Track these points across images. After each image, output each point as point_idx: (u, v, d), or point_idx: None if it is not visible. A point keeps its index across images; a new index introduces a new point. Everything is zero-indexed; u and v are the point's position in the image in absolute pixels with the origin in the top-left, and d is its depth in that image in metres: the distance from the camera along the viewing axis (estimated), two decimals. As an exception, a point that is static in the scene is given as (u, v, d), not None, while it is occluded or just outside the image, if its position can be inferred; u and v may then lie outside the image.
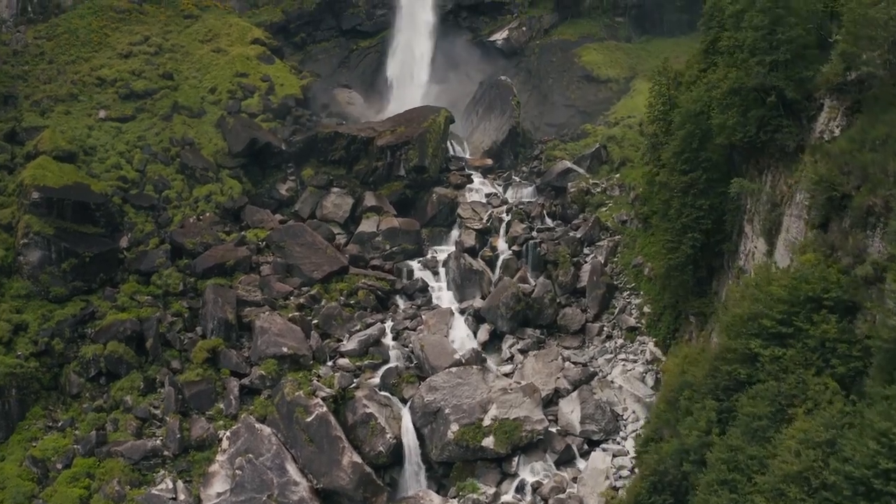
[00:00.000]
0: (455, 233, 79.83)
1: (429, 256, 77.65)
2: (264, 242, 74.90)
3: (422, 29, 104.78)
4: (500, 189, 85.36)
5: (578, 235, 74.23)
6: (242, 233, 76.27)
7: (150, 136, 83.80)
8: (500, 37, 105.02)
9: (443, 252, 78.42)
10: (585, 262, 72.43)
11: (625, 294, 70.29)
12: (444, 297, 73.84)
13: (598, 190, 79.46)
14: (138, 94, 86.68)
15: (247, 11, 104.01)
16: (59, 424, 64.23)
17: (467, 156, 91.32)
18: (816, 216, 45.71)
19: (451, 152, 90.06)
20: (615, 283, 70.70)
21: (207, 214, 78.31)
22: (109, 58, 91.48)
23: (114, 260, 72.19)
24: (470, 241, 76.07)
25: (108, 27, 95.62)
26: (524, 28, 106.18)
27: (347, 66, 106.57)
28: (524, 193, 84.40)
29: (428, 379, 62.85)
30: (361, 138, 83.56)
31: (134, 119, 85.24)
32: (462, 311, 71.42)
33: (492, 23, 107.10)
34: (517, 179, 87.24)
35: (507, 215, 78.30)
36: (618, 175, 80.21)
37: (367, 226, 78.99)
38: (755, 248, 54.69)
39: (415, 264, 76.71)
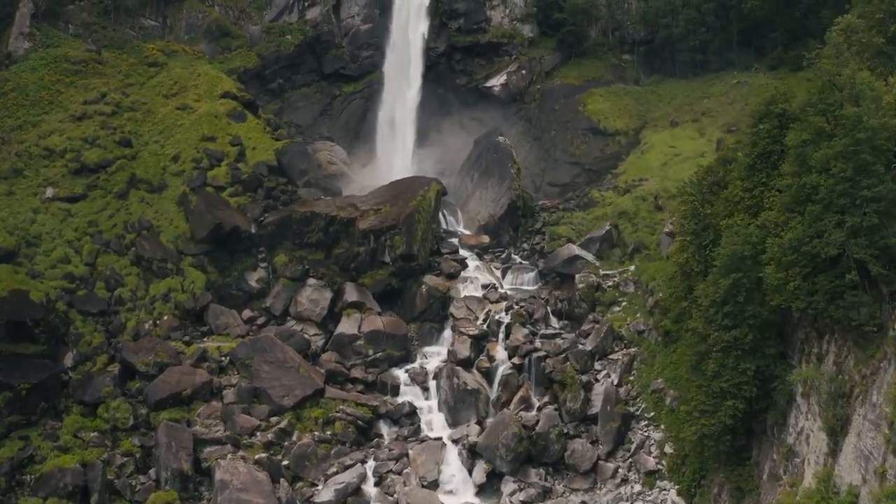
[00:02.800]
0: (448, 333, 67.40)
1: (417, 365, 65.38)
2: (227, 358, 62.38)
3: (412, 72, 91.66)
4: (499, 274, 72.70)
5: (588, 348, 61.88)
6: (204, 345, 63.73)
7: (103, 220, 70.94)
8: (497, 82, 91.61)
9: (433, 356, 66.33)
10: (597, 382, 60.24)
11: (642, 424, 58.11)
12: (434, 420, 61.81)
13: (610, 284, 66.92)
14: (90, 167, 73.62)
15: (218, 56, 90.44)
16: None
17: (461, 227, 78.60)
18: (908, 446, 33.56)
19: (444, 225, 77.43)
20: (631, 410, 58.39)
21: (165, 318, 65.88)
22: (61, 121, 78.28)
23: (56, 386, 60.00)
24: (464, 350, 63.66)
25: (61, 82, 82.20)
26: (523, 71, 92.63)
27: (330, 115, 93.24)
28: (525, 280, 71.90)
29: (415, 552, 50.95)
30: (341, 219, 70.73)
31: (85, 198, 72.34)
32: (455, 441, 59.36)
33: (488, 66, 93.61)
34: (517, 260, 74.62)
35: (507, 316, 65.86)
36: (632, 268, 67.47)
37: (347, 326, 66.56)
38: (811, 431, 42.50)
39: (402, 375, 64.53)
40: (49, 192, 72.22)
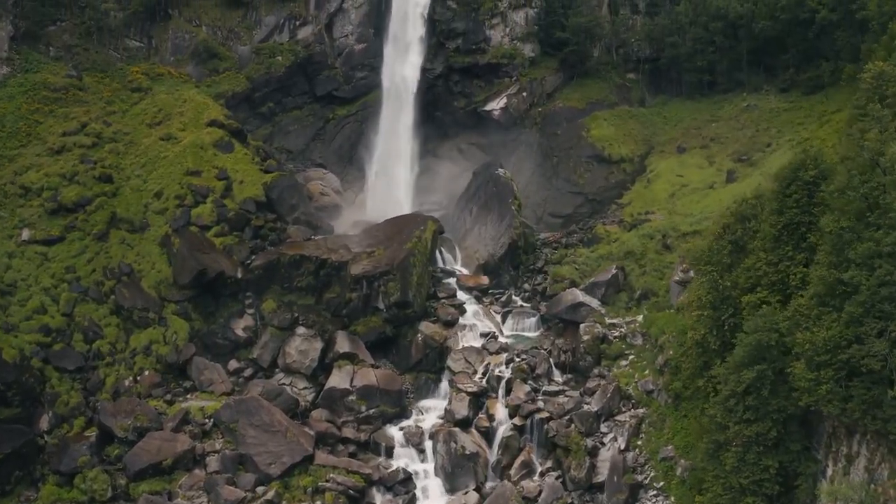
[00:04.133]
0: (445, 385, 63.17)
1: (412, 423, 61.06)
2: (211, 421, 58.08)
3: (408, 94, 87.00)
4: (499, 318, 68.28)
5: (594, 409, 57.49)
6: (187, 404, 59.51)
7: (81, 265, 66.58)
8: (496, 106, 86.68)
9: (430, 411, 62.16)
10: (603, 446, 55.92)
11: (651, 494, 53.71)
12: (431, 486, 57.55)
13: (616, 335, 62.43)
14: (68, 207, 69.10)
15: (205, 79, 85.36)
16: None
17: (459, 266, 74.04)
18: None
19: (441, 263, 72.92)
20: (640, 479, 54.11)
21: (146, 373, 61.72)
22: (38, 155, 73.67)
23: (31, 452, 56.26)
24: (462, 409, 59.38)
25: (40, 111, 77.48)
26: (524, 93, 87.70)
27: (322, 139, 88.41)
28: (527, 325, 67.52)
29: None
30: (332, 263, 66.25)
31: (62, 241, 67.86)
32: (453, 512, 55.20)
33: (487, 87, 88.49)
34: (518, 302, 70.28)
35: (508, 370, 61.52)
36: (640, 318, 62.98)
37: (338, 379, 62.24)
38: (841, 538, 38.24)
39: (396, 434, 60.23)
40: (25, 234, 67.77)
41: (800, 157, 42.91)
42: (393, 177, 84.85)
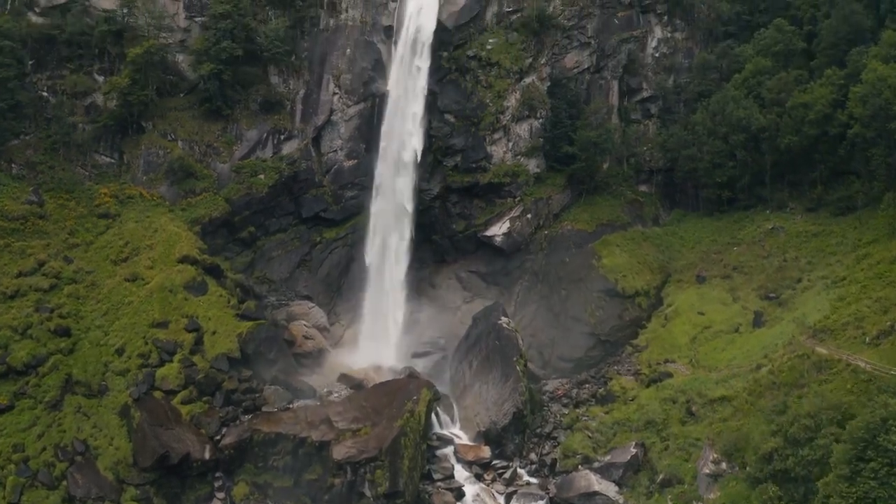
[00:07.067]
0: (441, 592, 54.76)
1: None
2: None
3: (401, 216, 79.07)
4: (502, 501, 59.83)
5: None
6: None
7: (31, 441, 58.54)
8: (498, 231, 78.69)
9: None
10: None
11: None
12: None
13: (637, 537, 54.16)
14: (18, 369, 61.14)
15: (180, 202, 77.37)
16: None
17: (456, 428, 65.80)
18: None
19: (437, 427, 64.63)
20: None
21: (97, 585, 53.27)
22: (-11, 301, 65.74)
23: None
24: None
25: (-6, 245, 69.65)
26: (528, 215, 79.76)
27: (308, 266, 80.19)
28: (534, 511, 59.15)
29: None
30: (313, 442, 58.03)
31: (11, 410, 59.80)
32: None
33: (488, 209, 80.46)
34: (523, 477, 61.88)
35: (512, 579, 53.10)
36: (665, 515, 54.71)
37: (319, 585, 53.87)
38: None
39: None
40: (-31, 403, 59.87)
41: (879, 414, 34.83)
42: (385, 310, 76.74)
